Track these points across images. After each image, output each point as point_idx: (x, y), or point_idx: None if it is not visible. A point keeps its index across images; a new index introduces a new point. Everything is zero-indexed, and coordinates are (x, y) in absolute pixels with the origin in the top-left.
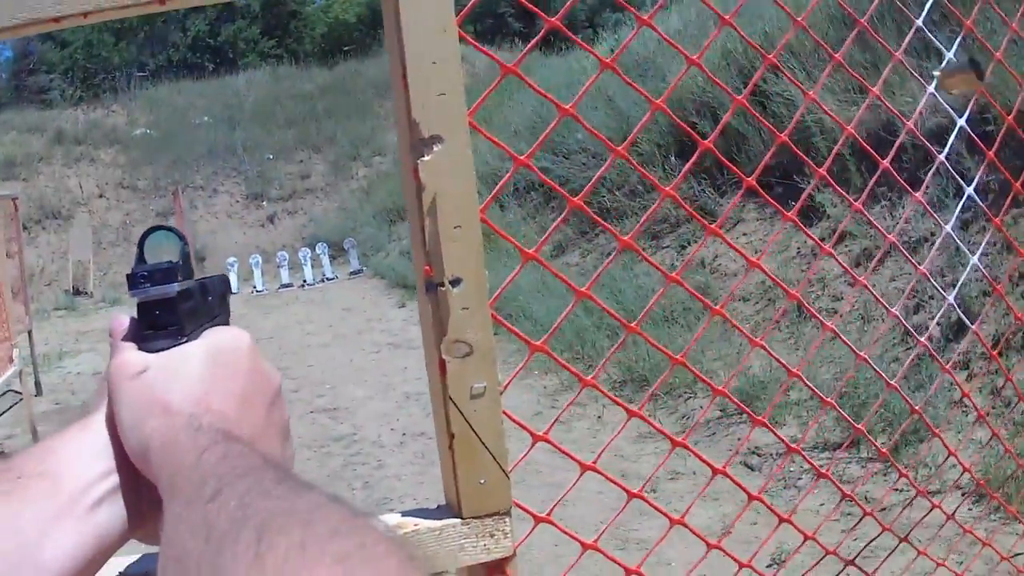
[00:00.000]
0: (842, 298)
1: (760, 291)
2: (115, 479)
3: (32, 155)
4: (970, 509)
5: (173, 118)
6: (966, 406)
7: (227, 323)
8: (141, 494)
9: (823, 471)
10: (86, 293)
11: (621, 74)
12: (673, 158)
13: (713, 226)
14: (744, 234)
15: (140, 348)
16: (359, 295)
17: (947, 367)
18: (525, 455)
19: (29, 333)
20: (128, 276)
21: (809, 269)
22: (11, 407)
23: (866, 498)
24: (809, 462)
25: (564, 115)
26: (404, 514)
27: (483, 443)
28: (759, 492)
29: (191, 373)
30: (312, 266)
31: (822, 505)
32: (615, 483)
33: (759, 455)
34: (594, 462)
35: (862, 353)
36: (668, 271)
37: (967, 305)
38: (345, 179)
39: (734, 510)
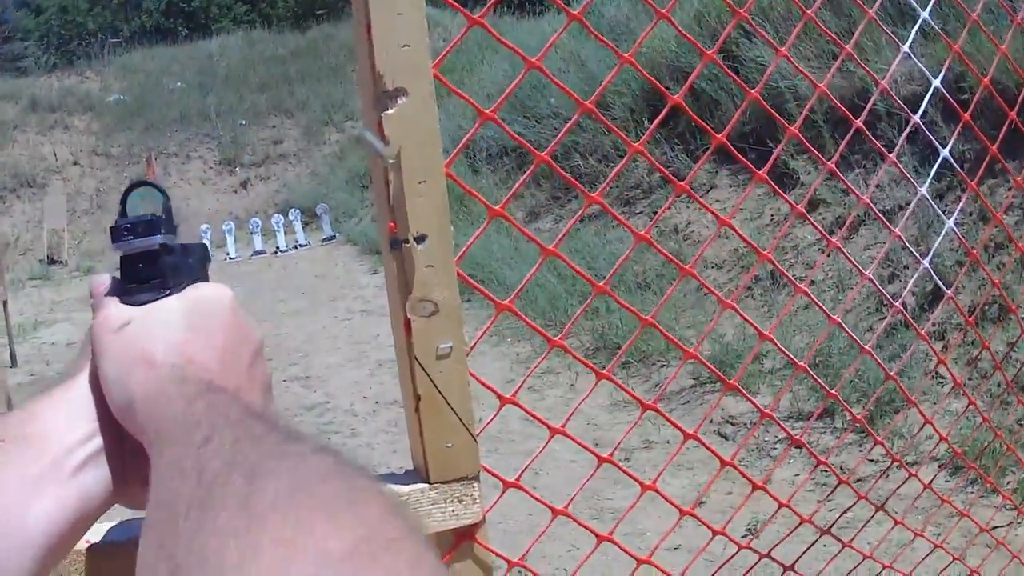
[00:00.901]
0: (815, 266)
1: (733, 259)
2: (99, 442)
3: (6, 123)
4: (947, 480)
5: (147, 84)
6: (941, 377)
7: None
8: (125, 458)
9: (796, 437)
10: (61, 262)
11: (589, 26)
12: (647, 122)
13: (683, 184)
14: (717, 200)
15: (123, 302)
16: (332, 261)
17: (922, 332)
18: (493, 418)
19: (4, 303)
20: (111, 229)
21: (780, 232)
22: None
23: (841, 468)
24: (783, 428)
25: (530, 67)
26: None
27: (449, 405)
28: (732, 459)
29: (174, 325)
30: (285, 232)
31: (797, 475)
32: (585, 447)
33: (733, 424)
34: (562, 425)
35: (835, 317)
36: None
37: (941, 274)
38: (318, 144)
39: (708, 480)
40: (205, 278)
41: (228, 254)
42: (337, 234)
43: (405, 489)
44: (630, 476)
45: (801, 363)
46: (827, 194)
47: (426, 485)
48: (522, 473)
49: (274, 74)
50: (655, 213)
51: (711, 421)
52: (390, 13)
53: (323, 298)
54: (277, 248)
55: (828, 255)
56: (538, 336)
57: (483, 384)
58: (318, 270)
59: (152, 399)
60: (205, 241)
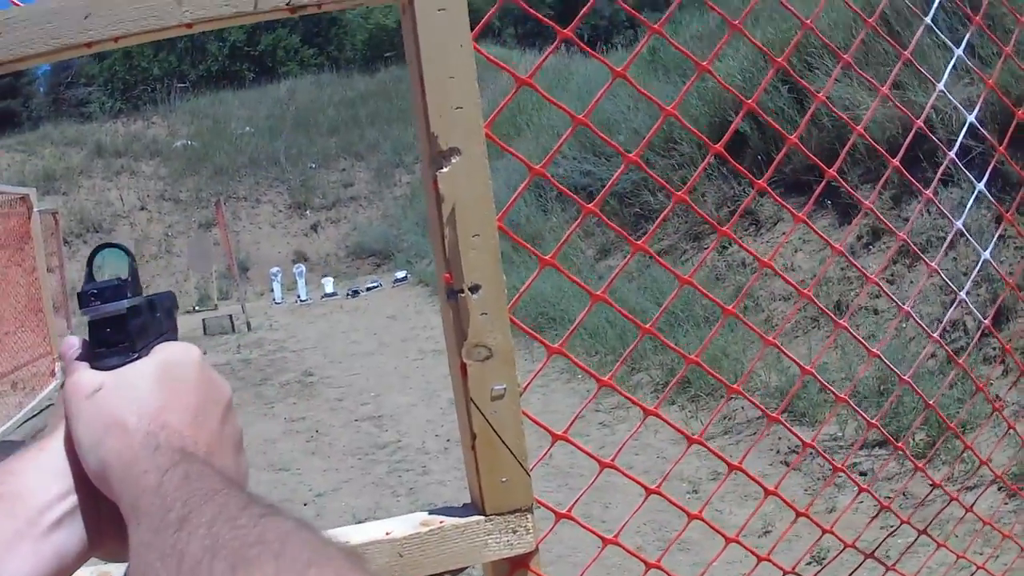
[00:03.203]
0: (880, 296)
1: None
2: (74, 499)
3: (72, 169)
4: (1006, 503)
5: (214, 128)
6: (1006, 401)
7: (175, 338)
8: (101, 514)
9: (839, 465)
10: None
11: (632, 82)
12: (714, 159)
13: (725, 229)
14: (784, 233)
15: (93, 366)
16: (403, 302)
17: (960, 362)
18: (544, 455)
19: None
20: (79, 295)
21: (824, 267)
22: None
23: (905, 494)
24: (825, 457)
25: (578, 124)
26: (431, 512)
27: (504, 443)
28: (776, 488)
29: (145, 389)
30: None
31: (862, 503)
32: (632, 479)
33: (799, 453)
34: (612, 459)
35: (875, 349)
36: (707, 272)
37: (1004, 299)
38: (388, 186)
39: (774, 509)
40: (174, 328)
41: (299, 296)
42: (408, 275)
43: (462, 521)
44: (676, 506)
45: (842, 395)
46: (895, 222)
47: (482, 517)
48: (573, 505)
49: (344, 117)
50: (723, 247)
51: (777, 452)
52: (443, 77)
53: (395, 338)
54: (349, 290)
55: (866, 281)
56: (608, 372)
57: (534, 421)
58: (390, 311)
59: (127, 469)
60: (272, 281)
